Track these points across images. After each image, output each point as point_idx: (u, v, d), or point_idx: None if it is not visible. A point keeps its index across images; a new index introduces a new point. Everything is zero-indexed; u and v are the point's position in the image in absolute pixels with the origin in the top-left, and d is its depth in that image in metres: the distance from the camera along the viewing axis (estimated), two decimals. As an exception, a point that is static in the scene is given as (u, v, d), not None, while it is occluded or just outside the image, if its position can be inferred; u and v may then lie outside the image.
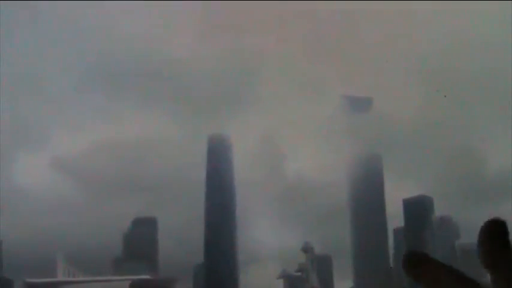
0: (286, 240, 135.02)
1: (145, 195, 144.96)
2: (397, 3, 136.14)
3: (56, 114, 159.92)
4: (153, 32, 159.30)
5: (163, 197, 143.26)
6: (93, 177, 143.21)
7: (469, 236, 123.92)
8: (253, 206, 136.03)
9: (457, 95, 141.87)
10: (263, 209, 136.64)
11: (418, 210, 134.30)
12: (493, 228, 1.45)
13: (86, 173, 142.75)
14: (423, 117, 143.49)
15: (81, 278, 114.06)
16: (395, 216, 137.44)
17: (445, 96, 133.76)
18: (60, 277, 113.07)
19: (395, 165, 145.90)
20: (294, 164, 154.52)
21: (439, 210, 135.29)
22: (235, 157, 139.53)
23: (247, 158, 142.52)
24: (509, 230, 1.37)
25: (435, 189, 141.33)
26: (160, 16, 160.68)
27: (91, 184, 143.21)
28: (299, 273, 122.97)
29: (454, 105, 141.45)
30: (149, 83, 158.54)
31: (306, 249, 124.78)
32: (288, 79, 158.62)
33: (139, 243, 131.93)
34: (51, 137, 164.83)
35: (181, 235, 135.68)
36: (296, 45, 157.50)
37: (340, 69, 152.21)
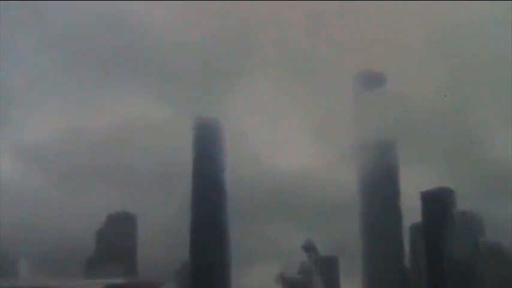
0: (286, 239, 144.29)
1: (122, 187, 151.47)
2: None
3: (20, 95, 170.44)
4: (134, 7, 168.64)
5: (143, 189, 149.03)
6: (63, 167, 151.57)
7: (495, 233, 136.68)
8: (248, 199, 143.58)
9: (485, 74, 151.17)
10: (259, 202, 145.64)
11: (437, 204, 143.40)
12: None
13: (55, 162, 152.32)
14: (444, 99, 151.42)
15: (46, 282, 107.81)
16: (411, 211, 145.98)
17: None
18: (21, 280, 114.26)
19: (412, 153, 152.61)
20: (295, 152, 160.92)
21: (462, 204, 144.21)
22: (226, 144, 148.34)
23: (241, 144, 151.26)
24: None
25: (457, 181, 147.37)
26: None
27: (60, 175, 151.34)
28: (300, 276, 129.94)
29: (480, 86, 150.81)
30: (128, 62, 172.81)
31: (308, 247, 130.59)
32: (287, 58, 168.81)
33: (116, 241, 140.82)
34: (12, 121, 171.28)
35: (164, 232, 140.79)
36: (296, 19, 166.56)
37: (349, 44, 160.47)
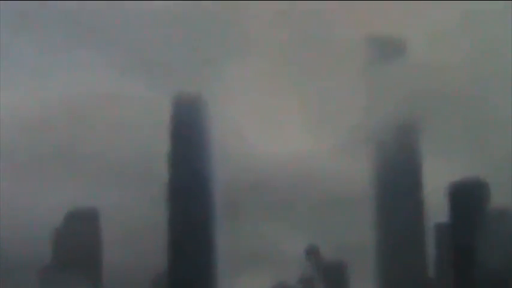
0: (283, 241, 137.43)
1: (85, 177, 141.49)
2: None
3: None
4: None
5: (110, 180, 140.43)
6: (11, 153, 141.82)
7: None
8: (237, 193, 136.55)
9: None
10: (252, 197, 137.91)
11: (468, 199, 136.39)
12: None
13: (1, 147, 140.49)
14: (475, 73, 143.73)
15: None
16: (436, 208, 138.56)
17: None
18: None
19: (437, 138, 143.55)
20: (295, 138, 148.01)
21: (497, 199, 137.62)
22: (212, 126, 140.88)
23: (229, 127, 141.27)
24: None
25: (491, 171, 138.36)
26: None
27: (8, 162, 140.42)
28: (301, 285, 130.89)
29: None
30: (94, 27, 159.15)
31: (310, 251, 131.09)
32: (286, 20, 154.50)
33: (76, 244, 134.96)
34: None
35: (136, 233, 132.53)
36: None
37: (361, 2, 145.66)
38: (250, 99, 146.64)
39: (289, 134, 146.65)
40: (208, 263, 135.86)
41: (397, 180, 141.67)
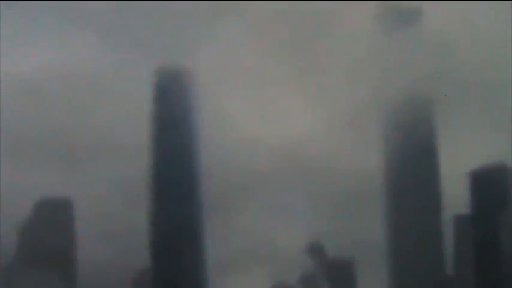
0: (283, 237, 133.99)
1: (56, 162, 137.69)
2: None
3: None
4: None
5: (85, 165, 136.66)
6: None
7: None
8: (231, 185, 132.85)
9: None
10: (246, 186, 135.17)
11: (492, 187, 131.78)
12: None
13: None
14: (499, 44, 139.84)
15: None
16: (456, 197, 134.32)
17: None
18: None
19: (456, 118, 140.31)
20: (295, 120, 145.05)
21: None
22: (200, 106, 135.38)
23: (219, 105, 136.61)
24: None
25: None
26: None
27: None
28: (303, 286, 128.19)
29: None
30: None
31: (313, 248, 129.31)
32: None
33: (47, 239, 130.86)
34: None
35: (114, 226, 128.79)
36: None
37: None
38: (243, 77, 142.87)
39: (288, 115, 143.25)
40: (196, 260, 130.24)
41: (411, 168, 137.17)
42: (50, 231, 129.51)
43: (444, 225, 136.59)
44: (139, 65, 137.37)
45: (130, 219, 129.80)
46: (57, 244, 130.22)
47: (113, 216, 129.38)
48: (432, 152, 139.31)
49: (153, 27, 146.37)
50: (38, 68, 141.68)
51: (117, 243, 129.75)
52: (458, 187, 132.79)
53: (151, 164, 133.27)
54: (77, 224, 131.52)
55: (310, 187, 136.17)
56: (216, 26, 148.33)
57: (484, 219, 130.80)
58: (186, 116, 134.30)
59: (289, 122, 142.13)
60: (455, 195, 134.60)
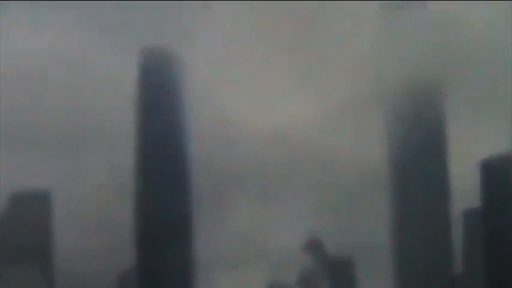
0: (278, 232, 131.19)
1: (32, 151, 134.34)
2: None
3: None
4: None
5: (63, 154, 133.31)
6: None
7: None
8: (220, 172, 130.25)
9: None
10: (238, 178, 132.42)
11: (505, 178, 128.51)
12: None
13: None
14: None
15: None
16: (466, 189, 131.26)
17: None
18: None
19: (467, 104, 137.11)
20: (290, 104, 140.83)
21: None
22: (188, 89, 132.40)
23: (209, 92, 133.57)
24: None
25: None
26: None
27: None
28: (300, 286, 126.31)
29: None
30: None
31: (311, 245, 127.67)
32: None
33: (22, 234, 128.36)
34: None
35: (96, 219, 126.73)
36: None
37: None
38: (237, 62, 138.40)
39: (285, 103, 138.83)
40: (185, 256, 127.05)
41: (416, 158, 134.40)
42: (25, 225, 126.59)
43: (453, 220, 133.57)
44: (126, 47, 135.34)
45: (114, 211, 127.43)
46: (36, 239, 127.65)
47: (96, 209, 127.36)
48: (439, 140, 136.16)
49: (141, 8, 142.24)
50: (16, 49, 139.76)
51: (101, 237, 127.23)
52: (468, 179, 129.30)
53: (137, 153, 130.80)
54: (57, 217, 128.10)
55: (308, 179, 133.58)
56: (210, 8, 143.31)
57: (496, 214, 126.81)
58: (175, 103, 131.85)
59: (286, 110, 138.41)
60: (464, 187, 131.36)
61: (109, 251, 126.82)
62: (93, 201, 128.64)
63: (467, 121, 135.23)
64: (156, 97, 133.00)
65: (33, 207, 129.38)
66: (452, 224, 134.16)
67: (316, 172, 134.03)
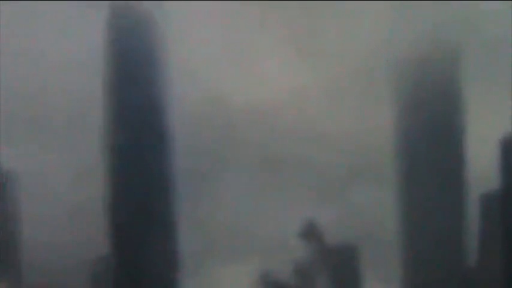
0: (270, 219, 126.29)
1: None
2: None
3: None
4: None
5: (28, 131, 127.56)
6: None
7: None
8: (205, 151, 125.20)
9: None
10: (227, 157, 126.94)
11: None
12: None
13: None
14: None
15: None
16: (483, 172, 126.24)
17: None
18: None
19: (482, 75, 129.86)
20: (286, 78, 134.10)
21: None
22: (166, 52, 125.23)
23: (192, 57, 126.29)
24: None
25: None
26: None
27: None
28: (295, 278, 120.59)
29: None
30: None
31: (307, 233, 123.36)
32: None
33: None
34: None
35: (66, 205, 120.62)
36: None
37: None
38: (222, 22, 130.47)
39: (278, 70, 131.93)
40: (167, 246, 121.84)
41: (429, 136, 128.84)
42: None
43: (469, 206, 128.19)
44: (95, 7, 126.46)
45: (85, 196, 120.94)
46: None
47: (63, 192, 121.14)
48: (455, 115, 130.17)
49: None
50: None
51: (71, 225, 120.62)
52: (487, 159, 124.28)
53: (109, 129, 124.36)
54: (19, 202, 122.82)
55: (304, 157, 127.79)
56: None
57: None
58: (150, 66, 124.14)
59: (279, 79, 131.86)
60: (482, 169, 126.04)
61: (79, 237, 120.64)
62: (60, 184, 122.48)
63: (486, 92, 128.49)
64: (127, 59, 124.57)
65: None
66: (467, 210, 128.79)
67: (312, 148, 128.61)
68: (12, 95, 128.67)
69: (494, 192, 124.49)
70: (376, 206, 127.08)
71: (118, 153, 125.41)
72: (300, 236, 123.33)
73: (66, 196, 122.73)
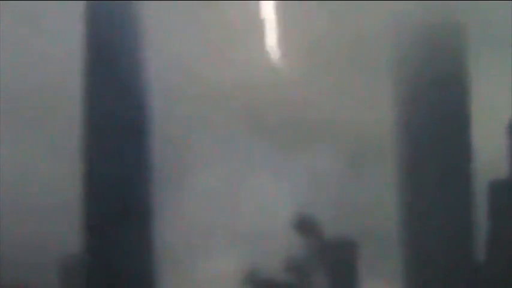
0: (261, 211, 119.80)
1: None
2: None
3: None
4: None
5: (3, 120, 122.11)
6: None
7: None
8: (185, 139, 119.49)
9: None
10: (208, 147, 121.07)
11: None
12: None
13: None
14: None
15: None
16: (492, 158, 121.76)
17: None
18: None
19: (493, 52, 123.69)
20: (268, 52, 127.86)
21: None
22: (145, 35, 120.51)
23: (171, 34, 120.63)
24: None
25: None
26: None
27: None
28: (288, 275, 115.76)
29: None
30: None
31: (302, 226, 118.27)
32: None
33: None
34: None
35: (38, 198, 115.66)
36: None
37: None
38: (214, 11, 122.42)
39: (264, 50, 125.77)
40: (145, 241, 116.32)
41: (433, 119, 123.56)
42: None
43: (476, 194, 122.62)
44: None
45: (58, 189, 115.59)
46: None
47: (33, 183, 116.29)
48: (460, 98, 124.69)
49: None
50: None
51: (42, 219, 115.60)
52: (496, 144, 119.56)
53: (85, 116, 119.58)
54: None
55: (296, 144, 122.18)
56: None
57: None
58: (128, 50, 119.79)
59: (265, 59, 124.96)
60: (490, 155, 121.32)
61: (51, 232, 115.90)
62: (32, 176, 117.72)
63: (494, 73, 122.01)
64: (105, 44, 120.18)
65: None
66: (475, 199, 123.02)
67: (306, 134, 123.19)
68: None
69: (503, 177, 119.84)
70: (375, 196, 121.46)
71: (94, 139, 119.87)
72: (292, 227, 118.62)
73: (37, 188, 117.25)
